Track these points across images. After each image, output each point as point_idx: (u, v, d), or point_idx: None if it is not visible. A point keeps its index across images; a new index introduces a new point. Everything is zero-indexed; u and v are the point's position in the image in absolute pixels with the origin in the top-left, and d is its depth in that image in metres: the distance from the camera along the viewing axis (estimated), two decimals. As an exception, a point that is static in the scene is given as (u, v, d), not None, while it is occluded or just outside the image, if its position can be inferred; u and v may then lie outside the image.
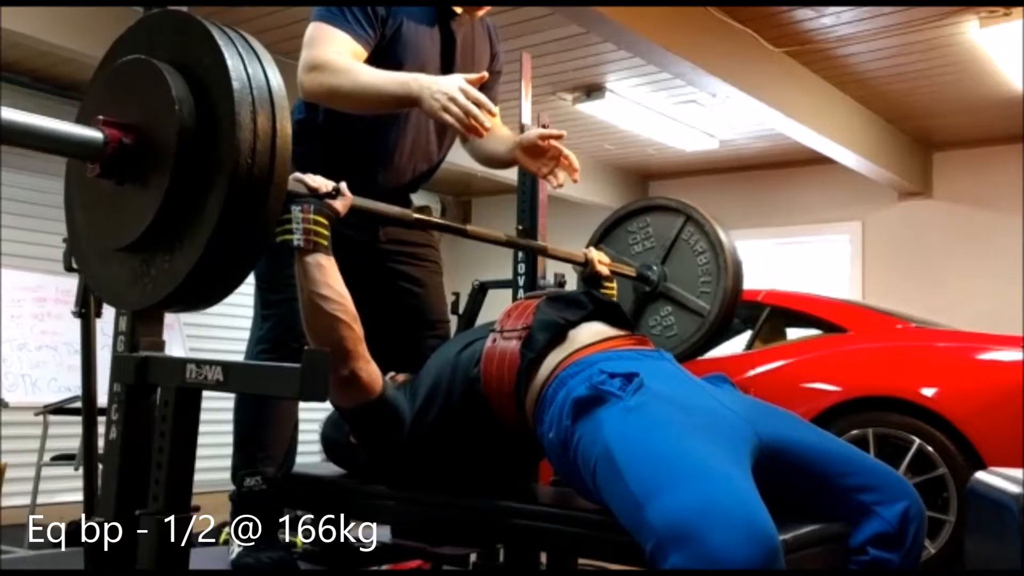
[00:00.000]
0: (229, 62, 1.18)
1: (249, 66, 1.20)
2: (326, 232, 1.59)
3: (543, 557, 1.90)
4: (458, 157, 2.29)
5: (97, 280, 1.37)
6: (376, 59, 1.91)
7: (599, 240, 2.51)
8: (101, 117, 1.23)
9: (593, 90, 5.34)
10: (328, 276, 1.58)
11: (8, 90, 5.22)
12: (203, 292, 1.25)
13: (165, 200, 1.18)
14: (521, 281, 2.46)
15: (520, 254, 2.48)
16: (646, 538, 1.22)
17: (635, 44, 4.06)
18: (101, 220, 1.31)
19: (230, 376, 1.30)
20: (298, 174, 1.59)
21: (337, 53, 1.85)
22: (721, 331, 2.33)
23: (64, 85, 5.52)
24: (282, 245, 1.54)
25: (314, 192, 1.59)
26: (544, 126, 2.46)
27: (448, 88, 1.75)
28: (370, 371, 1.66)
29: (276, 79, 1.23)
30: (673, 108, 5.62)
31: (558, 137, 2.05)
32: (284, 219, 1.53)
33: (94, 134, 1.21)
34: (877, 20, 4.30)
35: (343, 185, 1.64)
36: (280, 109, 1.21)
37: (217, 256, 1.18)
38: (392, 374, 1.91)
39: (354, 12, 1.89)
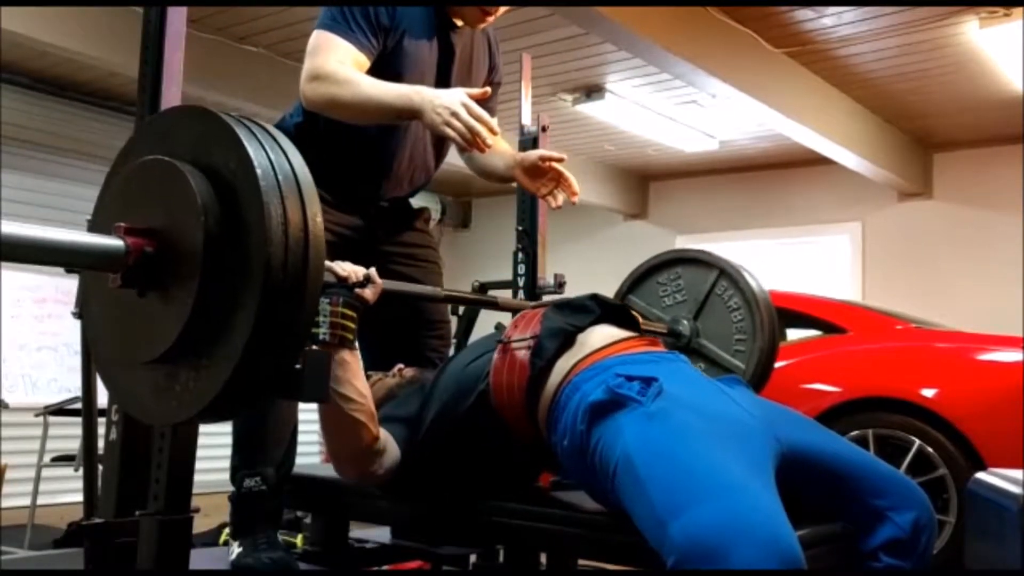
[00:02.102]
0: (255, 161, 1.10)
1: (277, 165, 1.12)
2: (353, 326, 1.54)
3: (543, 557, 1.90)
4: (459, 158, 2.29)
5: (119, 392, 1.28)
6: (374, 69, 1.91)
7: (628, 291, 2.43)
8: (122, 224, 1.14)
9: (593, 91, 5.34)
10: (351, 373, 1.54)
11: (8, 90, 5.23)
12: (235, 407, 1.17)
13: (192, 313, 1.09)
14: (521, 282, 2.45)
15: (520, 255, 2.47)
16: (668, 552, 1.20)
17: (635, 45, 4.06)
18: (121, 332, 1.23)
19: (230, 377, 1.30)
20: (327, 262, 1.52)
21: (339, 63, 1.84)
22: (756, 392, 2.24)
23: (64, 85, 5.52)
24: None
25: (343, 281, 1.56)
26: (544, 127, 2.46)
27: (451, 103, 1.74)
28: (384, 463, 1.62)
29: (303, 171, 1.15)
30: (673, 109, 5.62)
31: (559, 160, 2.04)
32: None
33: (114, 243, 1.13)
34: (877, 20, 4.31)
35: (373, 271, 1.62)
36: (311, 206, 1.13)
37: (249, 371, 1.09)
38: (400, 366, 1.90)
39: (358, 21, 1.88)
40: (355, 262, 1.70)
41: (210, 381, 1.11)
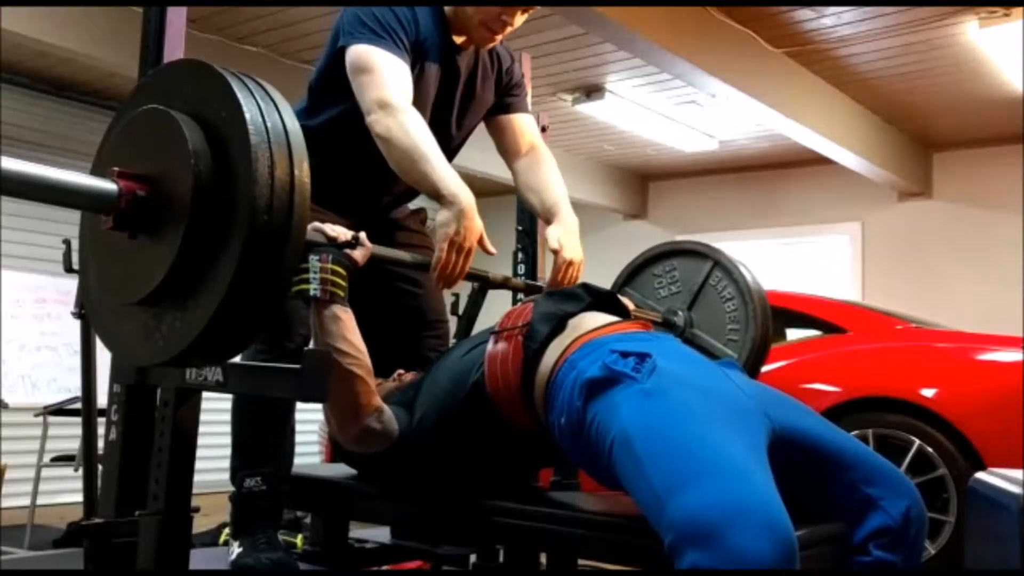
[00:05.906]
0: (247, 113, 1.14)
1: (267, 117, 1.16)
2: (344, 283, 1.57)
3: (543, 557, 1.90)
4: (458, 158, 2.28)
5: (109, 335, 1.33)
6: None
7: (624, 283, 2.44)
8: (116, 169, 1.19)
9: (593, 91, 5.35)
10: (345, 329, 1.56)
11: (8, 90, 5.23)
12: (218, 349, 1.21)
13: (179, 255, 1.14)
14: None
15: (520, 254, 2.48)
16: (665, 531, 1.21)
17: (635, 44, 4.07)
18: (113, 274, 1.27)
19: (229, 377, 1.30)
20: (316, 223, 1.58)
21: (405, 93, 1.79)
22: None
23: (64, 85, 5.53)
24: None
25: (332, 241, 1.58)
26: (544, 127, 2.46)
27: (470, 237, 1.76)
28: (385, 421, 1.63)
29: (295, 128, 1.18)
30: (673, 109, 5.63)
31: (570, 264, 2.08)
32: (301, 268, 1.52)
33: (108, 186, 1.17)
34: (877, 20, 4.31)
35: (362, 235, 1.63)
36: (298, 159, 1.16)
37: (231, 313, 1.13)
38: (400, 372, 1.90)
39: (400, 38, 1.83)
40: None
41: (194, 322, 1.15)
